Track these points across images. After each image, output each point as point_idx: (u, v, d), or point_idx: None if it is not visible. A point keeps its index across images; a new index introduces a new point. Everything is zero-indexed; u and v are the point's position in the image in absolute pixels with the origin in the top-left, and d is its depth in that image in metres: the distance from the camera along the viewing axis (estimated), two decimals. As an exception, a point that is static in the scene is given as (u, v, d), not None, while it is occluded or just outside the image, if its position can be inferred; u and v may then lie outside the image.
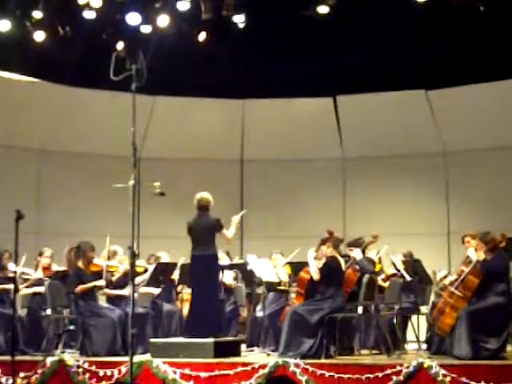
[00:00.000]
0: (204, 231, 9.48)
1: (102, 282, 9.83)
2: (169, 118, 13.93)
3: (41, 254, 10.53)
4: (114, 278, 10.16)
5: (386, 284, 10.17)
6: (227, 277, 10.86)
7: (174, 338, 9.77)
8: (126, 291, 10.01)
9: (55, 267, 10.57)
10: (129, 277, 9.21)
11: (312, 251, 9.30)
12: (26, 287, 10.32)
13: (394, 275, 10.33)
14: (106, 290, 10.13)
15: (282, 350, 8.83)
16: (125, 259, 10.26)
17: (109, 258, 10.23)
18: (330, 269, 9.09)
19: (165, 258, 11.06)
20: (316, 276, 9.08)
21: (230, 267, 10.94)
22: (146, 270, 10.59)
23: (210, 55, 12.18)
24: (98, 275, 9.87)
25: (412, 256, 10.62)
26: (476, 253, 8.88)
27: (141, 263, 10.49)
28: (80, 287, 9.66)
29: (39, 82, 12.93)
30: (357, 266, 9.61)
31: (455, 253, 12.78)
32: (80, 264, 9.84)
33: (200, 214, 9.61)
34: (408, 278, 10.32)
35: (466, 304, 8.61)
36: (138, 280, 10.14)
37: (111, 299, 10.18)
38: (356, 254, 9.69)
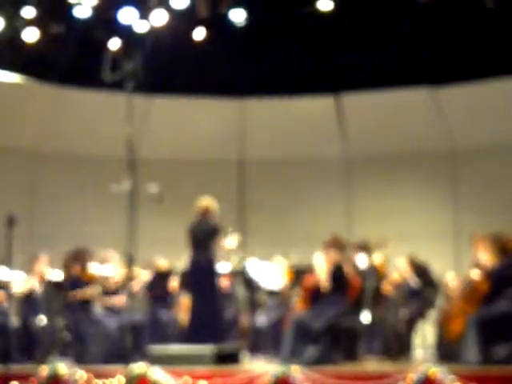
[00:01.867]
0: (203, 237, 9.42)
1: (97, 289, 9.68)
2: (167, 119, 13.86)
3: (35, 259, 10.38)
4: (109, 286, 9.99)
5: (391, 292, 10.05)
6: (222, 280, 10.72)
7: (172, 346, 9.63)
8: (122, 300, 9.88)
9: (49, 271, 10.43)
10: (124, 284, 9.15)
11: (320, 256, 9.12)
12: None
13: (399, 283, 10.19)
14: (102, 298, 9.94)
15: (285, 357, 8.69)
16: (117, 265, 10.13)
17: (102, 263, 10.11)
18: (336, 275, 8.94)
19: (162, 262, 10.95)
20: (325, 284, 8.89)
21: (230, 273, 10.82)
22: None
23: (208, 54, 12.12)
24: (93, 282, 9.77)
25: (415, 259, 10.46)
26: (486, 255, 8.72)
27: (137, 269, 10.39)
28: (76, 294, 9.55)
29: (31, 83, 12.81)
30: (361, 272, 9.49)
31: (463, 255, 12.63)
32: (75, 270, 9.73)
33: (201, 218, 9.56)
34: (415, 282, 10.16)
35: (475, 309, 8.47)
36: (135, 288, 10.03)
37: (108, 307, 10.02)
38: (361, 260, 9.54)
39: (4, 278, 9.52)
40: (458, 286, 9.16)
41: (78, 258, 9.73)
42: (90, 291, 9.65)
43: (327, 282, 8.90)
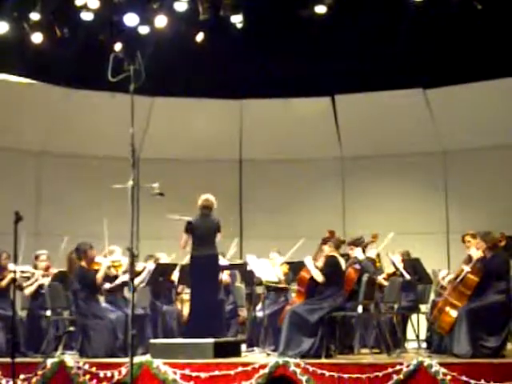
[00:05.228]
0: (207, 232, 9.51)
1: (125, 277, 9.83)
2: (167, 119, 13.92)
3: (37, 258, 10.53)
4: (119, 273, 10.08)
5: (385, 285, 10.17)
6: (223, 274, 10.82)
7: (173, 339, 9.75)
8: (125, 277, 9.96)
9: (54, 269, 10.57)
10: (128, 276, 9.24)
11: (309, 258, 9.30)
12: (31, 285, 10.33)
13: (394, 273, 10.33)
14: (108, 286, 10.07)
15: (282, 350, 8.83)
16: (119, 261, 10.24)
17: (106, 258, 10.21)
18: (331, 268, 9.08)
19: (163, 258, 11.05)
20: (320, 278, 9.07)
21: (230, 267, 10.94)
22: (144, 269, 10.59)
23: (208, 56, 12.17)
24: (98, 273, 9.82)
25: (409, 255, 10.60)
26: (476, 251, 8.87)
27: (139, 264, 10.50)
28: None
29: (37, 84, 12.92)
30: (357, 266, 9.61)
31: (454, 252, 12.78)
32: (83, 264, 9.82)
33: (203, 214, 9.62)
34: (407, 276, 10.26)
35: (466, 302, 8.62)
36: (136, 281, 10.12)
37: (111, 300, 10.13)
38: (357, 253, 9.67)
39: (11, 273, 9.67)
40: (450, 281, 9.27)
41: (82, 252, 9.80)
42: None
43: (321, 276, 9.05)
